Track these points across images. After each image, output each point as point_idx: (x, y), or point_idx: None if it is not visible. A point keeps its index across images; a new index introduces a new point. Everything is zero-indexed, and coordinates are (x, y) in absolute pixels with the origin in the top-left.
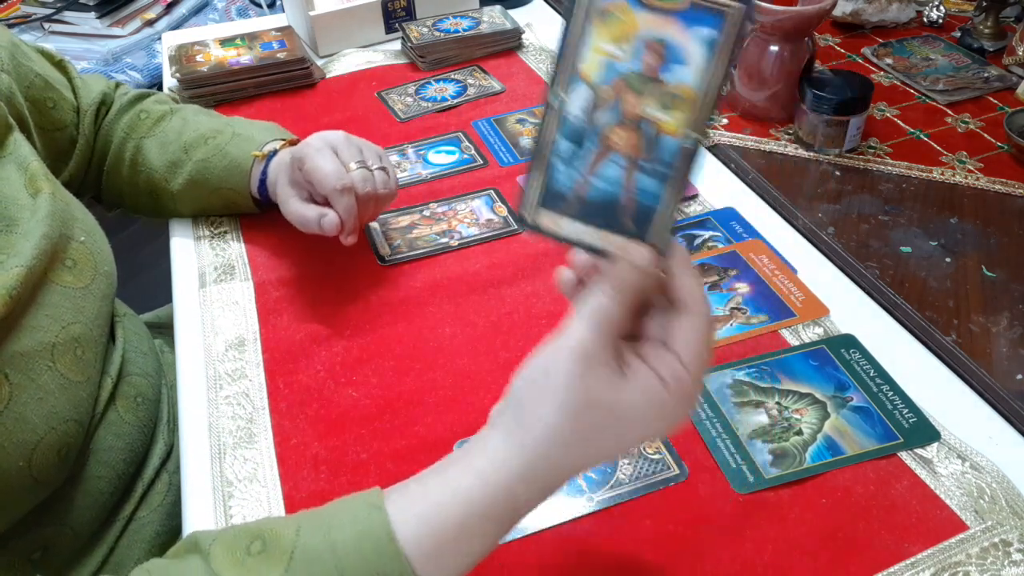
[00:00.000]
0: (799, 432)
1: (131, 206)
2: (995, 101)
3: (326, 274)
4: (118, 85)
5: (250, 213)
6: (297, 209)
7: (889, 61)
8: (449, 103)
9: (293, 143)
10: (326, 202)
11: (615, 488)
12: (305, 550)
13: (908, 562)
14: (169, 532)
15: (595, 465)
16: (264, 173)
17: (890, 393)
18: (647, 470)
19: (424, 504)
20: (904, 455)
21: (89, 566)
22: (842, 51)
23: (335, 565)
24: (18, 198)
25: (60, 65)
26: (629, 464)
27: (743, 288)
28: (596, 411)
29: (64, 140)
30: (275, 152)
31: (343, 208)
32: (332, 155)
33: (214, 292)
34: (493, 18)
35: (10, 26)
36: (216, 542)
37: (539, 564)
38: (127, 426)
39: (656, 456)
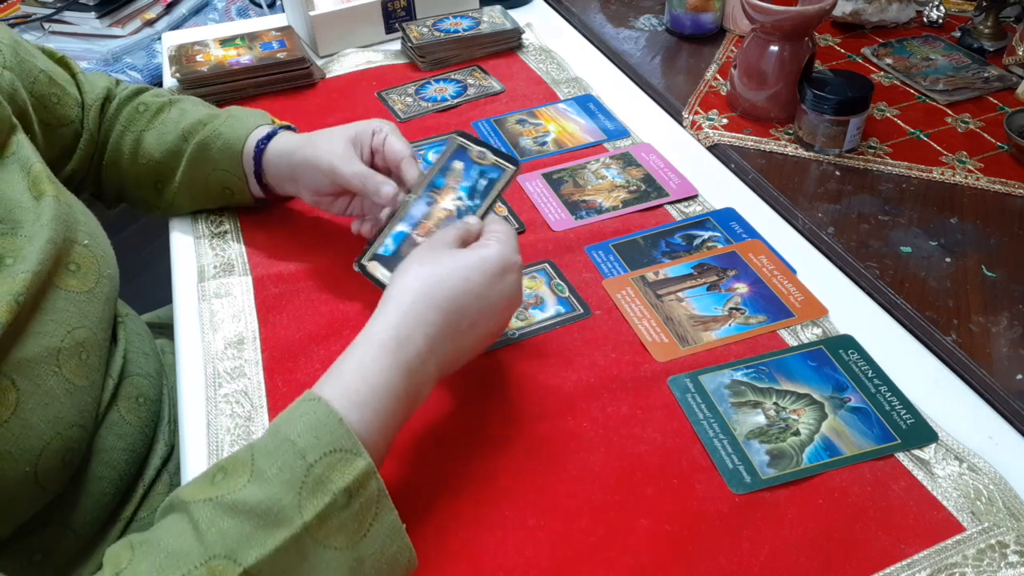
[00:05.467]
0: (796, 433)
1: (132, 199)
2: (995, 101)
3: (326, 273)
4: (119, 82)
5: (246, 207)
6: (361, 169)
7: (889, 61)
8: (449, 103)
9: (287, 129)
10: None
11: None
12: (264, 453)
13: (904, 563)
14: None
15: (473, 308)
16: (263, 143)
17: (888, 394)
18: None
19: (344, 380)
20: (902, 456)
21: (90, 567)
22: (842, 51)
23: (294, 452)
24: (21, 201)
25: (62, 62)
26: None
27: (742, 288)
28: (435, 266)
29: (68, 136)
30: (275, 131)
31: (413, 176)
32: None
33: (213, 291)
34: (493, 18)
35: (11, 26)
36: (183, 489)
37: (536, 564)
38: (128, 427)
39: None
